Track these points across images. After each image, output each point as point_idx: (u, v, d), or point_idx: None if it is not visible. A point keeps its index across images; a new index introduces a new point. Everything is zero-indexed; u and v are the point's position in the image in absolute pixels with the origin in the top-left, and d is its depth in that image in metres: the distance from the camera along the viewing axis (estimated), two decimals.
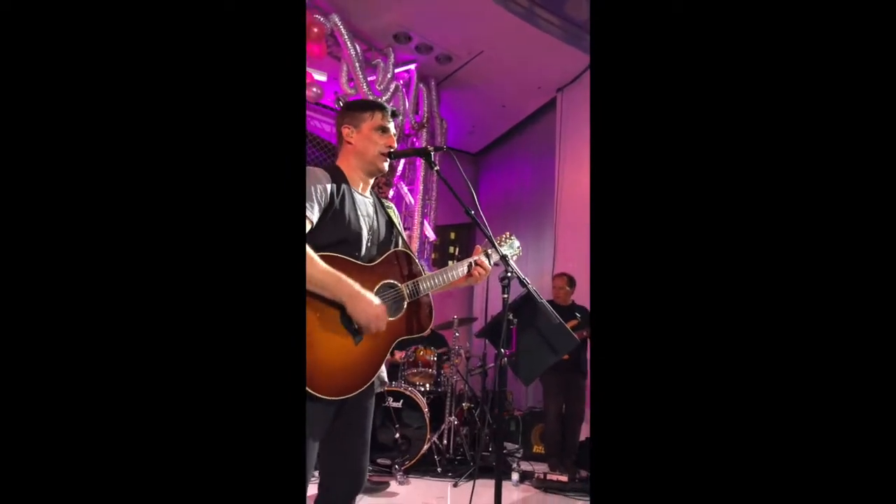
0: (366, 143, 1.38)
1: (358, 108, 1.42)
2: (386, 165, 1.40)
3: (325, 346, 1.20)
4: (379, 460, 3.32)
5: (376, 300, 1.26)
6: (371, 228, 1.36)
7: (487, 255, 1.49)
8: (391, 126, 1.41)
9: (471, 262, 1.47)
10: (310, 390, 1.15)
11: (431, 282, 1.39)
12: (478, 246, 1.52)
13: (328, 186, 1.29)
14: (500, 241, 1.55)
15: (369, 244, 1.35)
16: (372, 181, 1.44)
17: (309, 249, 1.19)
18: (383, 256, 1.35)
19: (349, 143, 1.39)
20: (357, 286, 1.22)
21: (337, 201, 1.29)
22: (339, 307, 1.22)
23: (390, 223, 1.44)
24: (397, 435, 3.35)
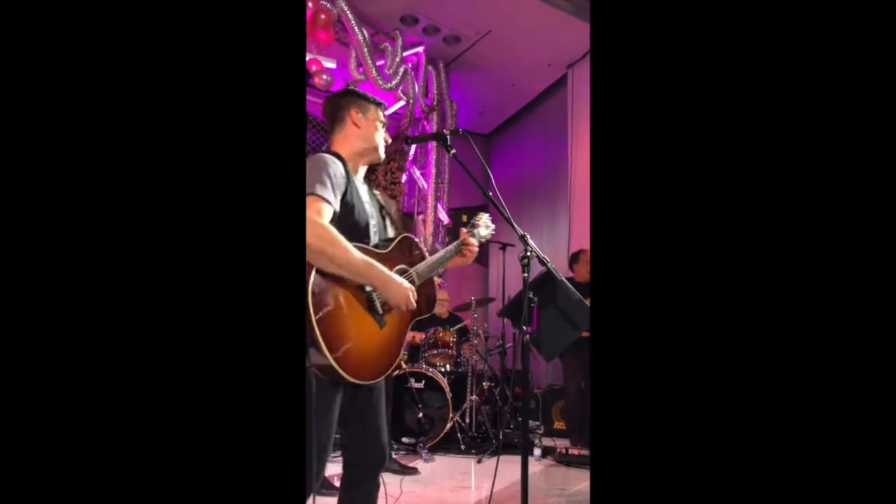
0: (373, 131, 1.40)
1: (367, 98, 1.44)
2: (383, 155, 1.44)
3: (359, 333, 1.24)
4: (404, 439, 3.41)
5: (405, 282, 1.31)
6: (372, 215, 1.39)
7: (473, 235, 1.58)
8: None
9: (459, 243, 1.53)
10: (349, 377, 1.18)
11: (431, 264, 1.44)
12: (462, 229, 1.60)
13: (342, 171, 1.30)
14: (476, 220, 1.63)
15: (374, 231, 1.38)
16: (365, 169, 1.46)
17: (342, 237, 1.21)
18: (395, 242, 1.39)
19: (357, 126, 1.39)
20: (386, 270, 1.27)
21: (349, 188, 1.31)
22: (365, 294, 1.26)
23: (380, 208, 1.48)
24: (420, 415, 3.43)
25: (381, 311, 1.28)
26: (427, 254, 1.46)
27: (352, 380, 1.19)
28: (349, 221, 1.29)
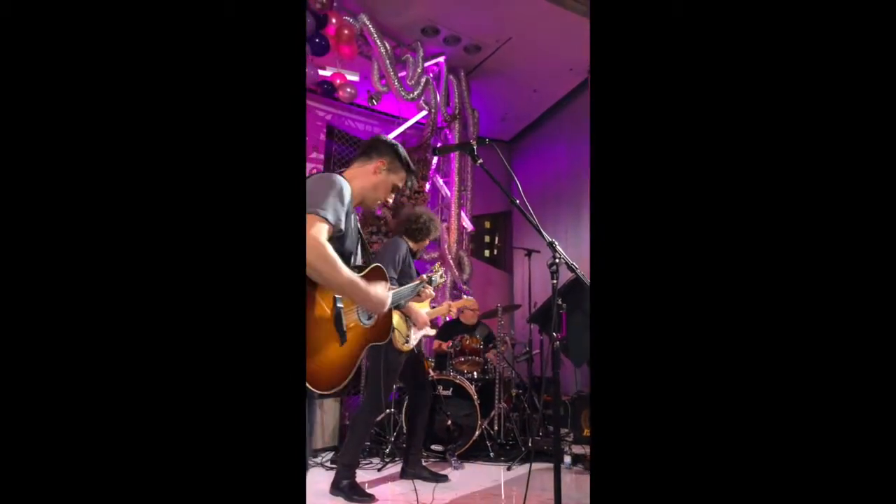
0: (383, 188, 1.52)
1: (404, 162, 1.54)
2: (375, 207, 1.56)
3: (320, 344, 1.32)
4: (433, 447, 3.42)
5: (382, 292, 1.41)
6: (355, 243, 1.49)
7: (430, 282, 1.90)
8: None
9: (418, 285, 1.84)
10: (309, 387, 1.24)
11: (394, 296, 1.55)
12: (422, 275, 1.97)
13: (349, 199, 1.39)
14: (434, 269, 1.98)
15: (355, 259, 1.48)
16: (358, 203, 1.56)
17: (334, 255, 1.27)
18: (368, 270, 1.48)
19: (376, 174, 1.50)
20: (368, 287, 1.36)
21: (347, 216, 1.39)
22: (335, 310, 1.34)
23: (359, 238, 1.56)
24: (449, 422, 3.44)
25: (345, 328, 1.36)
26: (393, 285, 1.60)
27: (308, 387, 1.24)
28: (339, 247, 1.37)
